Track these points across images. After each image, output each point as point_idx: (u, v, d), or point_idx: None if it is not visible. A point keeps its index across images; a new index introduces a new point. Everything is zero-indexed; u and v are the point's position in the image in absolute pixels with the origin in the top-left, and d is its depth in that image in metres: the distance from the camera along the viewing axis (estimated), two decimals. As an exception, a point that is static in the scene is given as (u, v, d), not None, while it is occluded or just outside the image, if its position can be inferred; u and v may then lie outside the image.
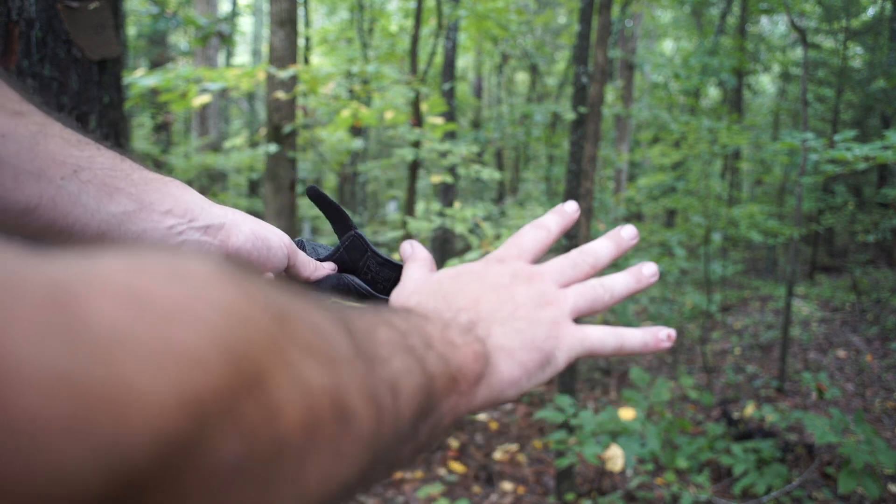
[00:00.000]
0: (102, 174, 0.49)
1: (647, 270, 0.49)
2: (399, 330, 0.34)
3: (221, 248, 0.55)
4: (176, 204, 0.53)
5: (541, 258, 0.51)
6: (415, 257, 0.53)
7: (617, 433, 3.14)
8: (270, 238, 0.57)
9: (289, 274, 0.61)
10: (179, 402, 0.17)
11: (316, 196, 0.65)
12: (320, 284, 0.63)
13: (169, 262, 0.21)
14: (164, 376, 0.17)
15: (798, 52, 12.63)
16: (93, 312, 0.17)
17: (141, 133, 10.19)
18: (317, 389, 0.23)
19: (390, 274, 0.64)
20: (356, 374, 0.27)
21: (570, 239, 3.97)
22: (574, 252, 0.50)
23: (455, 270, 0.48)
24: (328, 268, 0.64)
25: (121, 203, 0.49)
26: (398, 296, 0.49)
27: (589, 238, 6.05)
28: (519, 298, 0.44)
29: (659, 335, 0.46)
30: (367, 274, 0.64)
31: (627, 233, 0.52)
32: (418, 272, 0.51)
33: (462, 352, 0.38)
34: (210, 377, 0.18)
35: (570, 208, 0.53)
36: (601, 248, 0.51)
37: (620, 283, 0.49)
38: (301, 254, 0.62)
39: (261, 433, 0.20)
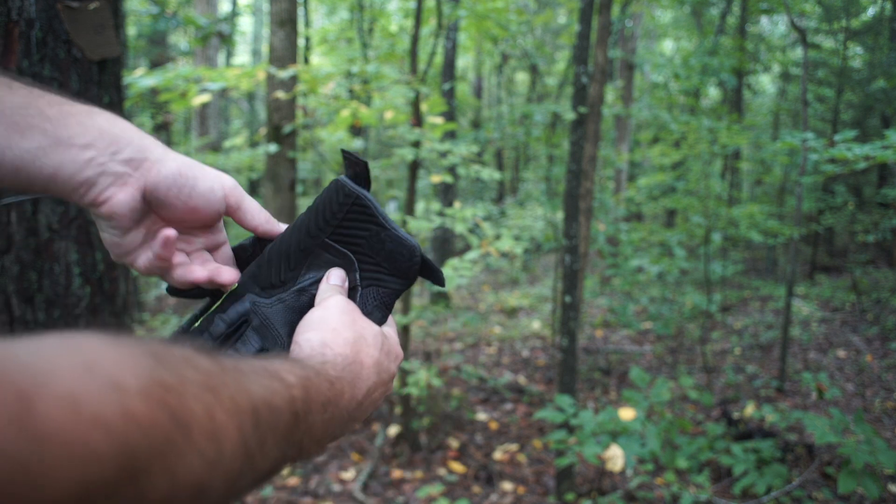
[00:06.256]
0: (11, 113, 0.50)
1: None
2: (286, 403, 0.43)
3: (139, 182, 0.55)
4: (99, 136, 0.53)
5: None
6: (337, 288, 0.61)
7: (617, 433, 3.14)
8: (199, 179, 0.57)
9: (235, 220, 0.61)
10: (78, 484, 0.26)
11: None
12: (282, 242, 0.63)
13: (93, 366, 0.28)
14: (73, 467, 0.26)
15: (798, 52, 12.63)
16: (41, 413, 0.25)
17: (141, 133, 10.18)
18: (182, 482, 0.31)
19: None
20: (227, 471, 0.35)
21: (571, 239, 3.96)
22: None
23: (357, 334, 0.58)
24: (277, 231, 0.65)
25: (34, 139, 0.50)
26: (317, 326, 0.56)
27: (589, 238, 6.04)
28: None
29: None
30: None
31: None
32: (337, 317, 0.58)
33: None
34: (101, 469, 0.27)
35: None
36: None
37: None
38: (251, 202, 0.62)
39: None
